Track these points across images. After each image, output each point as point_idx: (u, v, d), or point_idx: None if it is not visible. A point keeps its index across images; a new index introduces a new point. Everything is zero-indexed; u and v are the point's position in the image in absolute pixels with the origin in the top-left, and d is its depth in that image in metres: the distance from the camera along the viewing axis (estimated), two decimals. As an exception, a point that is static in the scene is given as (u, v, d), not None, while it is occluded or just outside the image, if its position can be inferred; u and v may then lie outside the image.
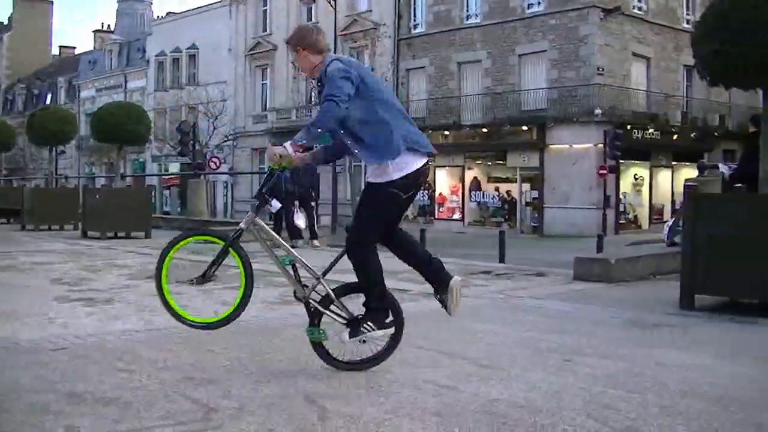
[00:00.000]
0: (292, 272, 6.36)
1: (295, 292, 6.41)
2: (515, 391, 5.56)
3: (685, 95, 45.81)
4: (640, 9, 43.52)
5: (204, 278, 6.56)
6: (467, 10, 46.62)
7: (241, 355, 6.71)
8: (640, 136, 41.53)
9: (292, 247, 17.98)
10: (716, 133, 45.00)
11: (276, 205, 19.08)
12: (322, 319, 6.26)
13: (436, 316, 8.48)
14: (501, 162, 44.99)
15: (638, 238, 29.19)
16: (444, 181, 48.19)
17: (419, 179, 6.04)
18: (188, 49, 67.18)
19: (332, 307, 6.29)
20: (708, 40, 10.04)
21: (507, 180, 44.95)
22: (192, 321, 6.46)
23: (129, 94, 72.04)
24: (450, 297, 6.25)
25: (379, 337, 6.11)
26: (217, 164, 47.38)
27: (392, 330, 6.18)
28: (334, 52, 32.04)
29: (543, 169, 42.00)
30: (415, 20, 49.77)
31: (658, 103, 43.43)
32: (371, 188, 6.09)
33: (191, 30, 65.68)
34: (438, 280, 6.37)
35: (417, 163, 5.94)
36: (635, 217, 43.72)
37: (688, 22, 42.99)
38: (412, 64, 49.26)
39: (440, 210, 48.13)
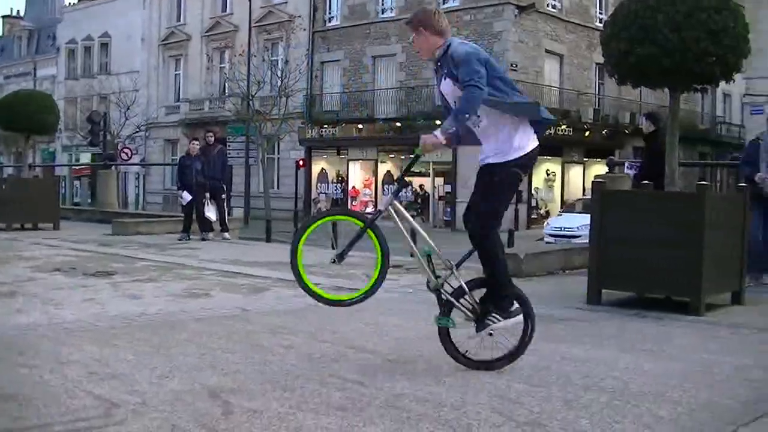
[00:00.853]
0: (426, 262, 6.10)
1: (427, 282, 6.15)
2: (420, 385, 5.55)
3: (597, 93, 46.46)
4: (554, 7, 44.01)
5: (341, 258, 6.43)
6: (382, 4, 46.76)
7: (146, 349, 6.59)
8: (552, 132, 41.93)
9: (202, 239, 18.03)
10: (627, 131, 45.72)
11: (187, 197, 19.06)
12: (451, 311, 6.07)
13: (342, 310, 8.48)
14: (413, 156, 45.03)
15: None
16: (357, 174, 48.33)
17: (535, 158, 6.12)
18: (100, 37, 66.32)
19: (462, 300, 6.07)
20: (617, 39, 10.17)
21: (420, 174, 45.10)
22: (329, 299, 6.41)
23: (39, 82, 70.94)
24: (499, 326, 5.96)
25: (507, 328, 5.95)
26: (129, 155, 46.80)
27: (520, 318, 5.99)
28: (248, 44, 31.76)
29: (456, 163, 42.17)
30: (330, 13, 49.76)
31: (570, 100, 43.96)
32: (493, 169, 5.97)
33: (104, 18, 64.81)
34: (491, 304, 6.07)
35: (534, 141, 6.03)
36: (547, 212, 44.18)
37: (600, 21, 43.52)
38: (326, 57, 49.23)
39: (353, 203, 48.17)
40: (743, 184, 11.29)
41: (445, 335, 6.04)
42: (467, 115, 5.68)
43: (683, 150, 12.47)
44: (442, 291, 6.02)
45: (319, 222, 6.45)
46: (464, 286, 6.04)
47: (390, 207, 6.16)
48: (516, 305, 6.00)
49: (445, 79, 5.97)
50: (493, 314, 5.90)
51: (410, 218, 6.29)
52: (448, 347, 6.04)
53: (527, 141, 5.94)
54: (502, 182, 5.94)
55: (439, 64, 5.99)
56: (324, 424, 4.68)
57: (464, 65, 5.67)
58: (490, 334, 5.92)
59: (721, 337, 7.77)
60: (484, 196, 6.01)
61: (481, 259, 6.04)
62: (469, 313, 6.00)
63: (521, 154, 5.88)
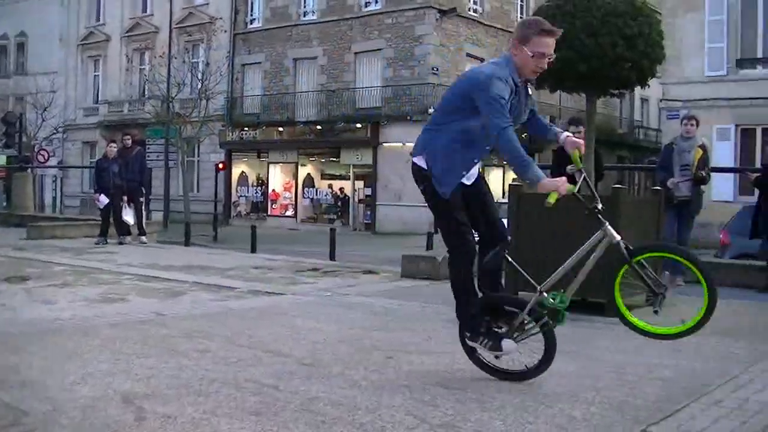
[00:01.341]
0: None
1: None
2: (335, 389, 5.54)
3: (516, 97, 46.75)
4: (475, 11, 44.28)
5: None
6: (304, 7, 46.65)
7: (58, 355, 6.49)
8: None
9: (120, 243, 17.81)
10: (547, 135, 46.11)
11: (104, 200, 18.80)
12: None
13: (259, 314, 8.45)
14: (335, 159, 45.16)
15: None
16: (277, 177, 48.15)
17: None
18: (17, 36, 65.14)
19: None
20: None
21: (341, 177, 45.14)
22: (657, 333, 6.06)
23: (-48, 82, 69.52)
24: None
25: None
26: (46, 157, 46.06)
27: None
28: (169, 46, 31.31)
29: (376, 166, 42.29)
30: (251, 15, 49.52)
31: (490, 104, 44.20)
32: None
33: (20, 16, 63.59)
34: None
35: None
36: (467, 215, 44.40)
37: (520, 26, 43.88)
38: (247, 59, 48.98)
39: (273, 207, 48.05)
40: (658, 188, 11.48)
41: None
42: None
43: (602, 153, 12.63)
44: None
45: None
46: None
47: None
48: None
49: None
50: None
51: None
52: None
53: None
54: None
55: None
56: (238, 429, 4.65)
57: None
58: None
59: (634, 338, 7.83)
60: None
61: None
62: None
63: None
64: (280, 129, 45.77)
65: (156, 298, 10.08)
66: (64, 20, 60.89)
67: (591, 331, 8.22)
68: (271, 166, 48.28)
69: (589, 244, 5.82)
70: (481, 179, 6.00)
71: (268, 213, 47.87)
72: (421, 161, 5.75)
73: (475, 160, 5.82)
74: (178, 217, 38.84)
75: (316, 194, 46.17)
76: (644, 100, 59.63)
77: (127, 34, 56.22)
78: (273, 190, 48.16)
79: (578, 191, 5.76)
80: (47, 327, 7.92)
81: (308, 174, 46.72)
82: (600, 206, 5.77)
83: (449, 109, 5.72)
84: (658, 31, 10.45)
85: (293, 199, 47.14)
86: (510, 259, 5.96)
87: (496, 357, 5.84)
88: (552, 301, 5.76)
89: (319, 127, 43.93)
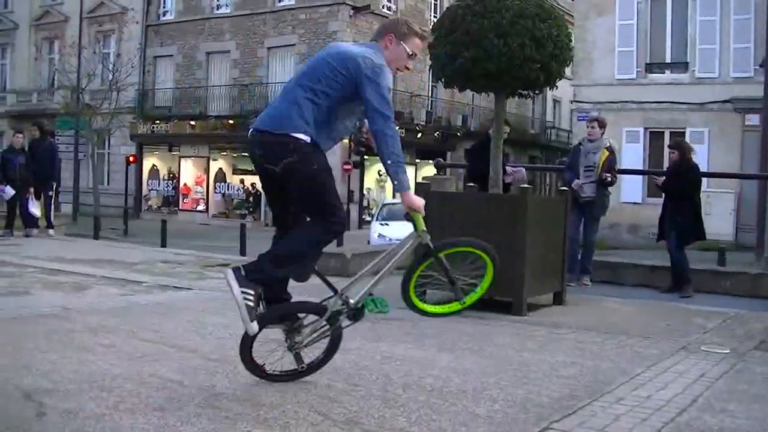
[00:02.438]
0: None
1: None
2: (240, 384, 5.55)
3: (430, 95, 47.03)
4: (389, 9, 44.42)
5: None
6: (217, 0, 46.27)
7: (-43, 349, 6.40)
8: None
9: (26, 236, 17.51)
10: (459, 133, 46.50)
11: (9, 191, 18.42)
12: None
13: (165, 308, 8.40)
14: (247, 154, 44.81)
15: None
16: (189, 171, 47.82)
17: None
18: None
19: None
20: (442, 43, 10.32)
21: (252, 172, 44.73)
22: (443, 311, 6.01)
23: None
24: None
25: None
26: (-50, 147, 45.26)
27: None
28: (79, 35, 30.73)
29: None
30: (164, 7, 49.04)
31: (403, 102, 44.37)
32: None
33: None
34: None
35: None
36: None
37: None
38: (159, 52, 48.51)
39: (184, 201, 47.72)
40: (564, 188, 11.64)
41: None
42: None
43: (514, 153, 12.75)
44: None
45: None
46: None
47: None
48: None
49: None
50: None
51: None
52: None
53: None
54: None
55: None
56: (141, 424, 4.63)
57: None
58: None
59: (539, 336, 7.97)
60: None
61: None
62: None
63: None
64: (192, 123, 45.43)
65: (61, 292, 9.96)
66: (-30, 6, 59.57)
67: (496, 329, 8.31)
68: (183, 160, 47.91)
69: (396, 248, 5.76)
70: None
71: (180, 207, 47.53)
72: (302, 136, 5.35)
73: (332, 146, 5.67)
74: (87, 210, 38.35)
75: (228, 189, 45.93)
76: (556, 101, 60.34)
77: (36, 23, 55.20)
78: (184, 185, 47.79)
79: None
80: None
81: (220, 168, 46.46)
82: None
83: (324, 84, 5.43)
84: (567, 34, 10.55)
85: (205, 193, 46.84)
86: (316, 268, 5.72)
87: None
88: (372, 306, 5.59)
89: (231, 121, 43.64)
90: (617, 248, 24.65)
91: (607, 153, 12.73)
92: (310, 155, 5.35)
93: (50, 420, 4.67)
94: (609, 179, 12.57)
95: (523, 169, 13.31)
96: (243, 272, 5.45)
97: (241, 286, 5.41)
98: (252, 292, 5.42)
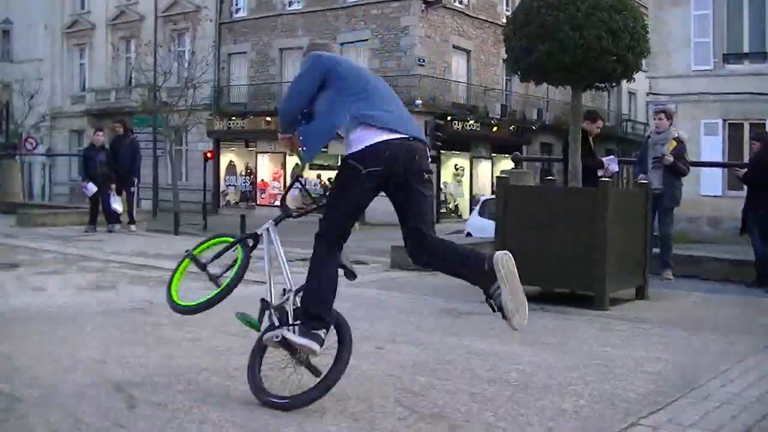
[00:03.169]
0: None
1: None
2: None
3: (504, 89, 46.85)
4: (460, 2, 44.29)
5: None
6: (290, -4, 46.55)
7: (50, 342, 6.52)
8: (460, 127, 42.29)
9: (109, 231, 17.77)
10: (534, 127, 46.29)
11: (91, 188, 18.75)
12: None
13: (250, 303, 8.46)
14: (323, 149, 44.93)
15: (458, 228, 29.73)
16: (266, 167, 48.09)
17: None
18: (2, 23, 64.77)
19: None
20: (518, 36, 10.28)
21: (329, 167, 45.01)
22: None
23: (-64, 71, 69.15)
24: (503, 287, 4.97)
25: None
26: (33, 145, 46.00)
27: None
28: (155, 34, 31.09)
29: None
30: (237, 4, 49.41)
31: (478, 96, 44.28)
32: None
33: (5, 3, 63.20)
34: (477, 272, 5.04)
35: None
36: (456, 206, 44.53)
37: (507, 18, 43.93)
38: (233, 49, 48.91)
39: (262, 196, 47.98)
40: (645, 180, 11.52)
41: None
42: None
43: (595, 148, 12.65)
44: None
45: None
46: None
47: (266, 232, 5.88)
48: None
49: None
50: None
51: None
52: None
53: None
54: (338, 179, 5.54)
55: None
56: (229, 417, 4.69)
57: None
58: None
59: (623, 331, 7.91)
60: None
61: None
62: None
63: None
64: (268, 119, 45.67)
65: (146, 286, 10.10)
66: (49, 8, 60.47)
67: (579, 323, 8.25)
68: (259, 156, 48.24)
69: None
70: None
71: (257, 202, 47.83)
72: None
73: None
74: (166, 206, 38.82)
75: (305, 184, 46.03)
76: (632, 94, 59.74)
77: (112, 22, 55.97)
78: (261, 180, 48.12)
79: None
80: (38, 314, 7.93)
81: (296, 163, 46.51)
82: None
83: None
84: (643, 25, 10.48)
85: (282, 188, 47.06)
86: None
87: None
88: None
89: (305, 116, 43.79)
90: (699, 242, 24.30)
91: (675, 143, 12.57)
92: None
93: (141, 412, 4.76)
94: (665, 157, 12.37)
95: (614, 159, 13.26)
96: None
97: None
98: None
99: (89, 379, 5.43)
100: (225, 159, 49.88)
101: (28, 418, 4.59)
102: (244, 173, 49.26)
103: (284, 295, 5.46)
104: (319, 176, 45.23)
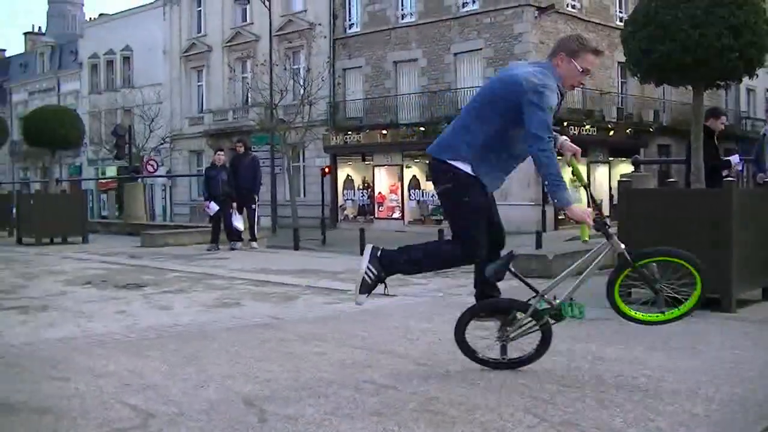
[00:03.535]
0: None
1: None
2: (454, 388, 5.57)
3: (619, 92, 46.35)
4: (573, 7, 43.96)
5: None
6: (402, 9, 46.79)
7: (179, 359, 6.64)
8: (576, 132, 41.88)
9: (231, 249, 18.09)
10: (651, 129, 45.62)
11: (213, 207, 19.11)
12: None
13: (372, 315, 8.53)
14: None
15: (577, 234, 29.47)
16: (383, 180, 48.31)
17: None
18: (122, 50, 66.65)
19: None
20: (637, 37, 10.17)
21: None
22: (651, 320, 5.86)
23: (62, 97, 71.38)
24: None
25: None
26: (155, 167, 47.01)
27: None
28: (270, 53, 31.35)
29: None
30: (350, 20, 49.84)
31: (593, 100, 43.84)
32: None
33: (124, 31, 65.12)
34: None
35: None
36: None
37: (620, 20, 43.42)
38: (348, 64, 49.32)
39: (380, 209, 48.23)
40: (766, 180, 11.27)
41: None
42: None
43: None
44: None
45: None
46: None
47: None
48: None
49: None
50: None
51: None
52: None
53: None
54: None
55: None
56: (360, 429, 4.72)
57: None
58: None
59: (751, 333, 7.76)
60: None
61: None
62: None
63: None
64: (384, 132, 45.97)
65: (270, 303, 10.23)
66: (167, 33, 61.96)
67: (706, 326, 8.09)
68: (376, 169, 48.49)
69: (594, 253, 5.73)
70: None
71: (375, 216, 48.08)
72: (462, 165, 5.72)
73: (514, 167, 5.96)
74: (285, 222, 39.27)
75: (423, 196, 46.19)
76: (750, 91, 58.49)
77: (228, 44, 57.03)
78: (379, 193, 48.36)
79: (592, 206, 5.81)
80: (166, 332, 8.10)
81: (414, 176, 46.77)
82: (606, 219, 5.67)
83: (490, 109, 5.70)
84: (765, 20, 10.26)
85: (399, 201, 47.25)
86: (513, 270, 5.77)
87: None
88: (569, 311, 5.77)
89: (422, 128, 43.97)
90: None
91: None
92: (465, 186, 5.71)
93: (273, 426, 4.81)
94: None
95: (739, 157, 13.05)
96: (379, 254, 5.96)
97: (370, 263, 5.96)
98: (375, 273, 5.95)
99: (219, 394, 5.52)
100: (342, 173, 50.27)
101: (163, 433, 4.69)
102: (361, 187, 49.57)
103: None
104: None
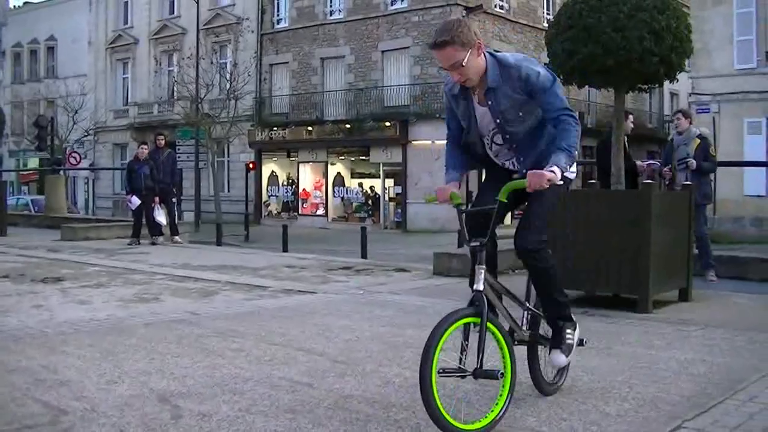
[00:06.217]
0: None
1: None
2: (369, 386, 5.58)
3: (544, 93, 46.65)
4: (501, 7, 44.24)
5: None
6: (330, 6, 46.75)
7: (94, 355, 6.56)
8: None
9: (152, 244, 17.93)
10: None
11: (135, 201, 18.96)
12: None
13: (291, 312, 8.50)
14: (364, 158, 45.22)
15: (501, 233, 29.65)
16: (308, 176, 48.26)
17: None
18: (46, 40, 65.66)
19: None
20: (560, 39, 10.25)
21: (370, 175, 45.20)
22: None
23: (-17, 87, 70.12)
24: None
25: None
26: (77, 159, 46.41)
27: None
28: (197, 47, 31.01)
29: (406, 164, 42.31)
30: (278, 15, 49.67)
31: (520, 100, 44.14)
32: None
33: (49, 21, 64.21)
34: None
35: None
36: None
37: (547, 22, 43.83)
38: (275, 59, 49.14)
39: (304, 206, 48.16)
40: (688, 183, 11.43)
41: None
42: (576, 152, 5.02)
43: (632, 149, 12.62)
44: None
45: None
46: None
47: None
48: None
49: (491, 102, 5.11)
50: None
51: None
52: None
53: None
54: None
55: (489, 93, 5.07)
56: (273, 426, 4.70)
57: (552, 94, 5.13)
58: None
59: (667, 334, 7.86)
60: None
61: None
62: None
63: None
64: (309, 128, 45.89)
65: (189, 298, 10.16)
66: (92, 24, 61.22)
67: (622, 327, 8.20)
68: (301, 166, 48.38)
69: None
70: None
71: (299, 212, 47.97)
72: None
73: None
74: (209, 217, 39.01)
75: (347, 193, 46.23)
76: (674, 95, 59.26)
77: (154, 37, 56.53)
78: (303, 189, 48.27)
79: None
80: (83, 327, 8.00)
81: (338, 173, 46.79)
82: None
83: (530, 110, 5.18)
84: (686, 25, 10.41)
85: (324, 198, 47.22)
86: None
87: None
88: None
89: (348, 125, 44.02)
90: (743, 243, 24.11)
91: (698, 141, 12.65)
92: None
93: (186, 422, 4.77)
94: (695, 166, 12.38)
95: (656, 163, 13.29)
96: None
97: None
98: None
99: (134, 390, 5.46)
100: (267, 169, 50.09)
101: (74, 430, 4.62)
102: (286, 183, 49.44)
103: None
104: (361, 184, 45.37)
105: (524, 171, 5.09)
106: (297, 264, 14.59)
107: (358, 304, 9.72)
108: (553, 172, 4.77)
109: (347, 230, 37.82)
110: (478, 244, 4.92)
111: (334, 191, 46.66)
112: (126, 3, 59.59)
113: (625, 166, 11.56)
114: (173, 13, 55.55)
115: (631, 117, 12.69)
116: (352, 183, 46.25)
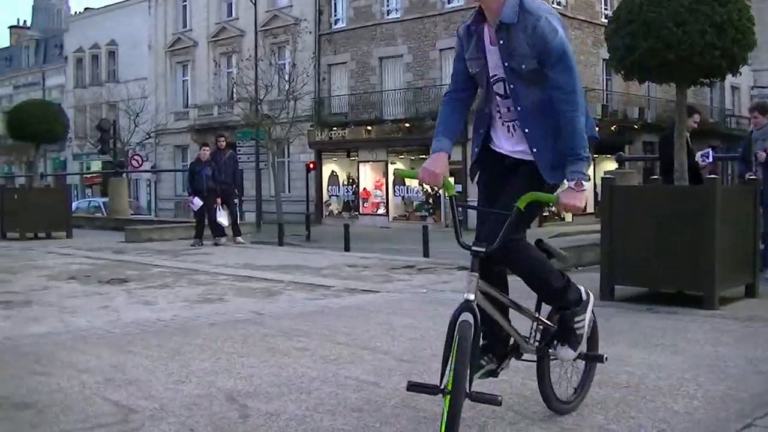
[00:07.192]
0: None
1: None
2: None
3: (604, 89, 46.37)
4: (558, 4, 43.91)
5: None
6: (387, 5, 46.78)
7: (161, 355, 6.64)
8: (560, 129, 41.88)
9: (215, 244, 18.07)
10: (636, 126, 45.68)
11: (197, 202, 19.11)
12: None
13: (355, 311, 8.53)
14: (424, 156, 44.85)
15: (561, 231, 29.50)
16: (368, 176, 48.26)
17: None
18: (107, 45, 66.43)
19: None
20: (620, 34, 10.17)
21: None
22: None
23: (47, 92, 71.09)
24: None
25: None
26: (139, 162, 46.92)
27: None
28: (255, 48, 31.01)
29: (466, 162, 42.08)
30: (335, 15, 49.79)
31: (578, 96, 43.85)
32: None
33: (110, 26, 64.93)
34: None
35: None
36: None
37: (605, 17, 43.49)
38: (333, 60, 49.26)
39: (365, 205, 48.17)
40: (753, 177, 11.30)
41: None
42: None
43: (694, 144, 12.46)
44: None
45: None
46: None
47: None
48: None
49: (502, 42, 4.49)
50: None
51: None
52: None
53: None
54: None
55: (500, 31, 4.45)
56: (341, 426, 4.72)
57: (570, 69, 4.47)
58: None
59: (734, 330, 7.77)
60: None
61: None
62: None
63: None
64: (369, 128, 45.94)
65: (253, 298, 10.23)
66: (152, 27, 61.80)
67: (688, 324, 8.12)
68: (361, 165, 48.43)
69: None
70: None
71: (360, 212, 48.02)
72: None
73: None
74: (270, 217, 39.22)
75: (407, 192, 46.18)
76: (735, 88, 58.53)
77: (213, 39, 56.91)
78: (364, 189, 48.31)
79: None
80: (149, 327, 8.09)
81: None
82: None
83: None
84: (748, 17, 10.26)
85: (384, 197, 47.22)
86: None
87: None
88: None
89: (407, 124, 44.00)
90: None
91: None
92: None
93: (254, 422, 4.81)
94: (764, 157, 12.09)
95: (709, 152, 13.08)
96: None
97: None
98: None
99: (202, 390, 5.52)
100: (327, 169, 50.22)
101: (143, 429, 4.68)
102: (346, 182, 49.53)
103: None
104: (421, 183, 45.26)
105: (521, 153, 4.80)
106: (359, 263, 14.63)
107: (421, 302, 9.73)
108: (582, 188, 4.44)
109: (408, 229, 37.79)
110: (483, 249, 4.40)
111: (394, 190, 46.63)
112: (185, 6, 60.07)
113: (687, 162, 11.44)
114: (231, 15, 55.88)
115: (696, 116, 12.53)
116: (412, 182, 46.19)
